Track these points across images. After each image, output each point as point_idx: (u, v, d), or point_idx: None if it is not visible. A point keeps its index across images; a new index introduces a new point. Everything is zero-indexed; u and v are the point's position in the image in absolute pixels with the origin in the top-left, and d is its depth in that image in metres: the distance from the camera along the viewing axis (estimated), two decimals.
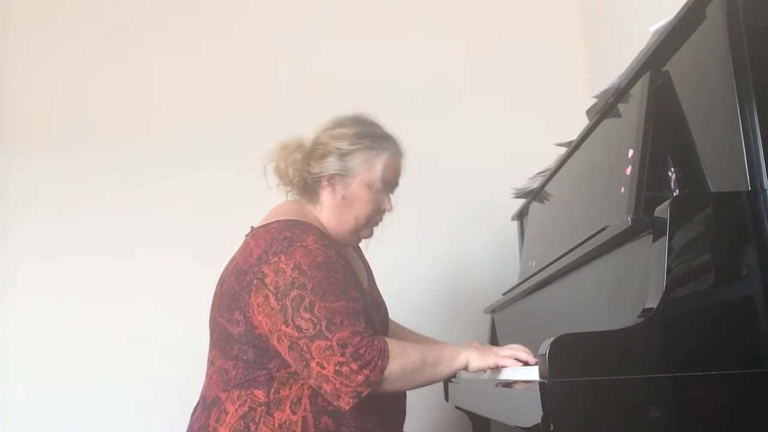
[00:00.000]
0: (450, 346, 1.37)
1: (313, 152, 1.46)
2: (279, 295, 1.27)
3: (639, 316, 0.94)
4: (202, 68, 2.65)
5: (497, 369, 1.35)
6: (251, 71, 2.66)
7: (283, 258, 1.29)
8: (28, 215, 2.51)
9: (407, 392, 1.49)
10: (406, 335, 1.67)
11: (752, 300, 0.93)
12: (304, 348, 1.24)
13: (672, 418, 0.91)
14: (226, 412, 1.30)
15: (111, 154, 2.57)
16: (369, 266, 1.65)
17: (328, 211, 1.46)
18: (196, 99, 2.63)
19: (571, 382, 0.90)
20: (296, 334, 1.25)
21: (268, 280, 1.29)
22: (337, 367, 1.22)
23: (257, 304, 1.30)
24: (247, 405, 1.29)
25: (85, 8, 2.68)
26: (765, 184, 0.96)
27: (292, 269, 1.28)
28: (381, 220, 1.52)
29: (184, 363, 2.36)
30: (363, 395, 1.22)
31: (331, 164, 1.43)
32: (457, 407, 1.90)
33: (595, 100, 1.44)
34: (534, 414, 0.91)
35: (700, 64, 1.10)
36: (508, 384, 1.20)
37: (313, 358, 1.23)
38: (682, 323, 0.92)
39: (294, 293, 1.26)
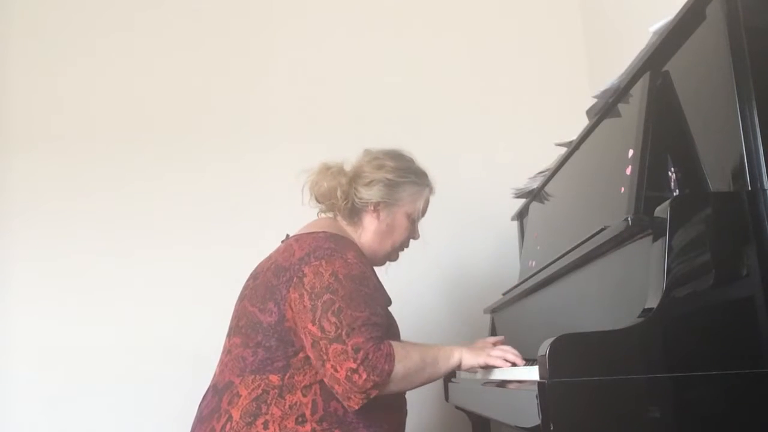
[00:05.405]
0: (444, 346, 1.45)
1: (359, 178, 1.56)
2: (313, 295, 1.36)
3: (639, 316, 0.94)
4: (202, 69, 2.65)
5: (492, 369, 1.39)
6: (251, 72, 2.66)
7: (323, 263, 1.39)
8: (29, 215, 2.51)
9: (407, 391, 1.51)
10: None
11: (752, 300, 0.93)
12: (323, 349, 1.33)
13: (672, 418, 0.91)
14: (239, 396, 1.36)
15: (111, 154, 2.57)
16: None
17: (370, 235, 1.58)
18: (196, 100, 2.63)
19: (571, 382, 0.90)
20: (319, 333, 1.33)
21: (306, 280, 1.38)
22: (348, 374, 1.30)
23: (293, 299, 1.38)
24: (260, 388, 1.35)
25: (86, 9, 2.68)
26: (765, 184, 0.96)
27: (330, 275, 1.38)
28: (408, 246, 1.66)
29: (185, 363, 2.37)
30: (372, 396, 1.31)
31: (380, 192, 1.55)
32: (457, 407, 1.90)
33: (595, 100, 1.44)
34: (534, 414, 0.91)
35: (700, 64, 1.10)
36: (508, 384, 1.20)
37: (329, 360, 1.32)
38: (682, 323, 0.92)
39: (326, 297, 1.35)
